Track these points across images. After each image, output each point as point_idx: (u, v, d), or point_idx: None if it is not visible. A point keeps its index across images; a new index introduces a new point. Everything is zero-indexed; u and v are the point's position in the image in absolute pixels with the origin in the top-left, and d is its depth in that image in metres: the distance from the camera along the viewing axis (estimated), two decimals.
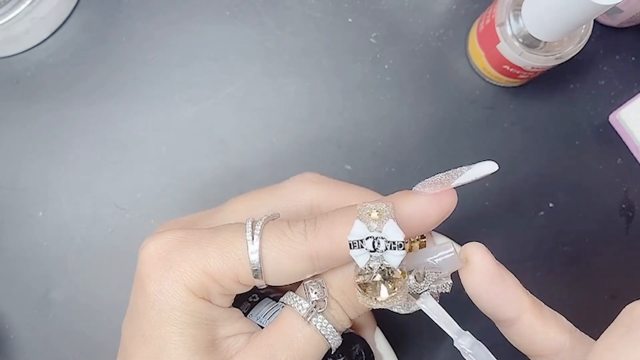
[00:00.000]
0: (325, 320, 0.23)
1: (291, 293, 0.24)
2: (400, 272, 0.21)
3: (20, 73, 0.38)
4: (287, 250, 0.23)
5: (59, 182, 0.37)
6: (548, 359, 0.24)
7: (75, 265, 0.36)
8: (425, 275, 0.23)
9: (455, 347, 0.23)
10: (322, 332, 0.23)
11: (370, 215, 0.22)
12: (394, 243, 0.21)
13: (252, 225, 0.23)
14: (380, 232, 0.21)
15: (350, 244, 0.21)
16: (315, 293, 0.23)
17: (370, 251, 0.21)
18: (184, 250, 0.23)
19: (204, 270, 0.23)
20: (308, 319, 0.23)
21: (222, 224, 0.24)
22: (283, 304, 0.24)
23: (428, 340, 0.36)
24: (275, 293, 0.29)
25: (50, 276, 0.36)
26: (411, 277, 0.22)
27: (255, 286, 0.25)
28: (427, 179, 0.23)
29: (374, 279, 0.21)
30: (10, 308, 0.36)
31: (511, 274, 0.24)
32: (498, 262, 0.24)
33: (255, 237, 0.23)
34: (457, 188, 0.23)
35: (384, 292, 0.21)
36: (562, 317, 0.24)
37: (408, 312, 0.23)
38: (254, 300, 0.28)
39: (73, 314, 0.36)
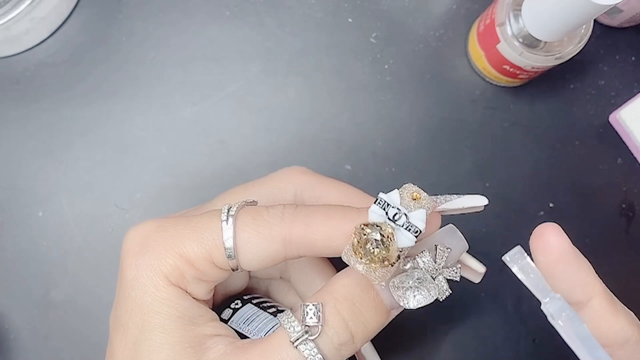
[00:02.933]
0: (315, 349, 0.22)
1: (288, 312, 0.23)
2: (396, 250, 0.21)
3: (20, 73, 0.38)
4: (261, 230, 0.23)
5: (59, 182, 0.37)
6: (612, 350, 0.23)
7: (75, 265, 0.36)
8: (437, 254, 0.22)
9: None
10: None
11: (411, 195, 0.21)
12: (412, 226, 0.21)
13: (227, 209, 0.23)
14: (409, 212, 0.21)
15: (377, 200, 0.21)
16: (311, 318, 0.22)
17: (388, 218, 0.21)
18: (160, 234, 0.23)
19: (178, 253, 0.23)
20: (296, 344, 0.22)
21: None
22: (278, 322, 0.24)
23: (428, 340, 0.36)
24: (258, 299, 0.29)
25: (50, 276, 0.36)
26: (427, 256, 0.22)
27: (238, 293, 0.25)
28: None
29: (371, 238, 0.21)
30: (10, 308, 0.36)
31: (584, 258, 0.24)
32: (572, 247, 0.24)
33: (230, 218, 0.23)
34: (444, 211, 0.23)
35: (373, 254, 0.21)
36: (632, 313, 0.24)
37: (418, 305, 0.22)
38: (236, 307, 0.28)
39: (73, 314, 0.36)
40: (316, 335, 0.22)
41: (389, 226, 0.21)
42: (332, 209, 0.23)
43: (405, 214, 0.21)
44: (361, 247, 0.21)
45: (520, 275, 0.21)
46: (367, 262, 0.21)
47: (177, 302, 0.23)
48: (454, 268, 0.23)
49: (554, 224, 0.23)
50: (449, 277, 0.23)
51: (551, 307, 0.21)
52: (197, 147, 0.37)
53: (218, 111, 0.38)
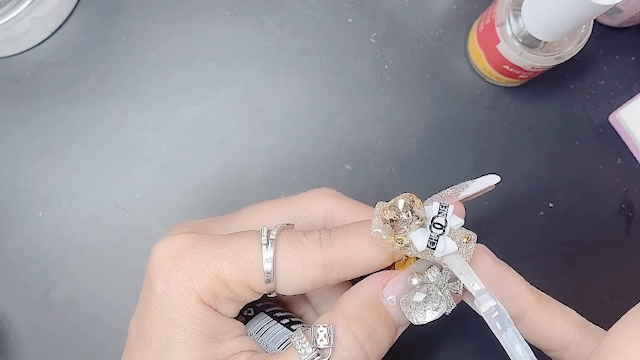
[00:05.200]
0: None
1: (299, 332, 0.23)
2: (406, 229, 0.22)
3: (20, 73, 0.38)
4: (301, 256, 0.23)
5: (59, 182, 0.37)
6: (559, 354, 0.24)
7: (75, 265, 0.36)
8: (443, 269, 0.23)
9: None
10: None
11: (465, 236, 0.23)
12: (442, 226, 0.22)
13: (267, 232, 0.23)
14: (444, 227, 0.22)
15: (440, 204, 0.22)
16: (322, 340, 0.22)
17: (436, 214, 0.22)
18: (197, 251, 0.23)
19: (215, 273, 0.22)
20: None
21: (236, 231, 0.24)
22: (289, 339, 0.24)
23: (428, 340, 0.37)
24: (271, 307, 0.28)
25: (50, 276, 0.36)
26: (436, 271, 0.23)
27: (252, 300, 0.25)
28: (435, 195, 0.24)
29: (407, 214, 0.22)
30: (10, 308, 0.36)
31: (513, 272, 0.24)
32: (499, 261, 0.24)
33: (270, 242, 0.23)
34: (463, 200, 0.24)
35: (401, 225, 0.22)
36: (573, 312, 0.24)
37: (423, 322, 0.23)
38: (249, 314, 0.28)
39: (73, 314, 0.36)
40: (327, 357, 0.22)
41: (427, 220, 0.22)
42: (364, 224, 0.23)
43: (444, 225, 0.22)
44: (394, 211, 0.22)
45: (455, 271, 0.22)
46: (388, 229, 0.22)
47: (205, 320, 0.22)
48: (457, 282, 0.23)
49: (478, 247, 0.24)
50: (453, 291, 0.23)
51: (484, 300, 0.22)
52: (197, 147, 0.37)
53: (218, 111, 0.38)
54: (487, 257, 0.24)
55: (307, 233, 0.23)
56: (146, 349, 0.23)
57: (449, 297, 0.23)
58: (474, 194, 0.24)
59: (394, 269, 0.25)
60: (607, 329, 0.24)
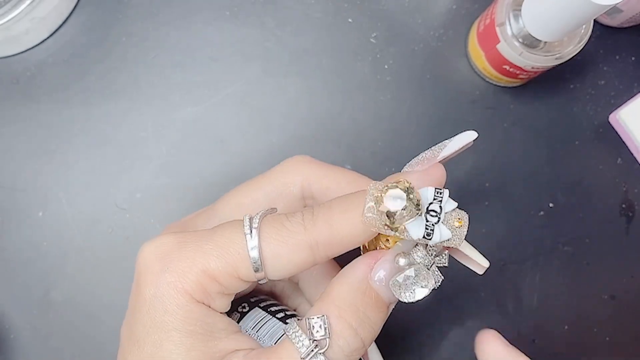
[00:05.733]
0: None
1: (294, 324, 0.23)
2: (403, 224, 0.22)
3: (20, 73, 0.38)
4: (286, 240, 0.22)
5: (59, 182, 0.37)
6: None
7: (75, 265, 0.36)
8: (428, 246, 0.23)
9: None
10: None
11: (457, 220, 0.22)
12: (437, 213, 0.22)
13: (249, 220, 0.23)
14: (440, 213, 0.22)
15: (436, 190, 0.22)
16: (317, 331, 0.22)
17: (431, 200, 0.22)
18: (182, 250, 0.23)
19: (202, 269, 0.22)
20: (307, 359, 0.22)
21: (219, 223, 0.24)
22: (284, 332, 0.24)
23: (429, 340, 0.37)
24: (265, 302, 0.28)
25: (50, 276, 0.36)
26: (422, 250, 0.23)
27: (244, 296, 0.24)
28: (413, 159, 0.24)
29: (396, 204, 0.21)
30: (10, 308, 0.36)
31: (522, 355, 0.25)
32: (509, 345, 0.25)
33: (254, 230, 0.22)
34: (445, 165, 0.24)
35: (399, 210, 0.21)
36: None
37: (412, 299, 0.23)
38: (244, 310, 0.27)
39: (73, 314, 0.36)
40: (325, 348, 0.22)
41: (420, 206, 0.22)
42: (345, 200, 0.23)
43: (439, 217, 0.22)
44: (385, 195, 0.21)
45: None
46: (382, 215, 0.21)
47: (199, 319, 0.22)
48: (443, 255, 0.23)
49: (489, 330, 0.25)
50: (440, 265, 0.23)
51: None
52: (197, 147, 0.37)
53: (218, 111, 0.38)
54: (498, 343, 0.25)
55: (290, 216, 0.23)
56: (140, 352, 0.22)
57: (436, 272, 0.23)
58: (453, 153, 0.24)
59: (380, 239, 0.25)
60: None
